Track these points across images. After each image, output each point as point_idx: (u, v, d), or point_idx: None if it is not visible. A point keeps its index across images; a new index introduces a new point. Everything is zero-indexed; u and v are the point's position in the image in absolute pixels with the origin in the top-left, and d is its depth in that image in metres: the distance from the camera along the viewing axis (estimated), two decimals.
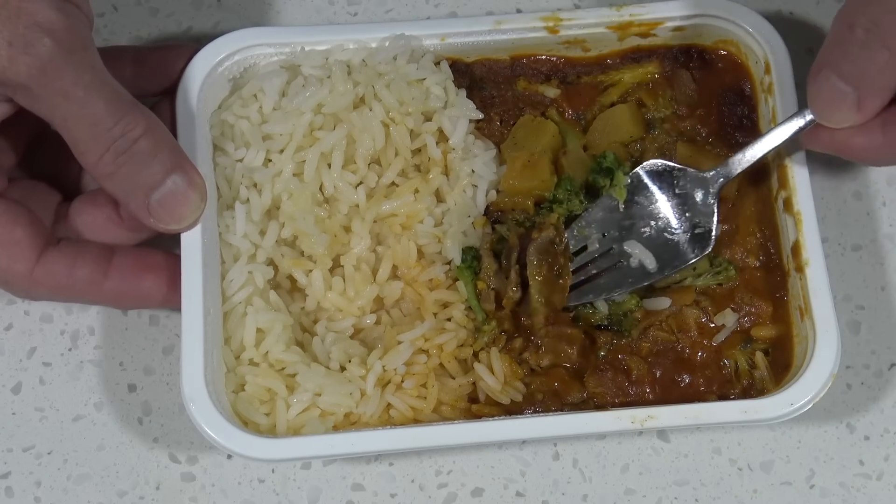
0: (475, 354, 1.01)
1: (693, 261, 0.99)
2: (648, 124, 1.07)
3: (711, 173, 1.00)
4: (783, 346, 1.00)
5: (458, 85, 1.07)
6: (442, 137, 1.06)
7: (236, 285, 0.99)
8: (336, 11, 1.18)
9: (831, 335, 0.95)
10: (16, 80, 0.85)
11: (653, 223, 1.01)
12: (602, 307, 1.00)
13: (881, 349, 1.06)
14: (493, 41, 1.08)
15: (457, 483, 1.03)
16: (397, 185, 1.04)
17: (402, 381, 0.98)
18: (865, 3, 0.86)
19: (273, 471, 1.03)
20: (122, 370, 1.06)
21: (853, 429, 1.04)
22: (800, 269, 0.98)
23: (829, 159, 1.11)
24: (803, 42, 1.14)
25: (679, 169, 1.01)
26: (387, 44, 1.05)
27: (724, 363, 1.00)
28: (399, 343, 0.99)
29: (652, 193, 1.01)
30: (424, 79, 1.05)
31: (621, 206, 1.01)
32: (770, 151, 0.99)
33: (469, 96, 1.07)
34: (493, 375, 0.98)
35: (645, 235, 1.00)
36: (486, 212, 1.05)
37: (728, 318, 1.01)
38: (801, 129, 0.96)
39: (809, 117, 0.95)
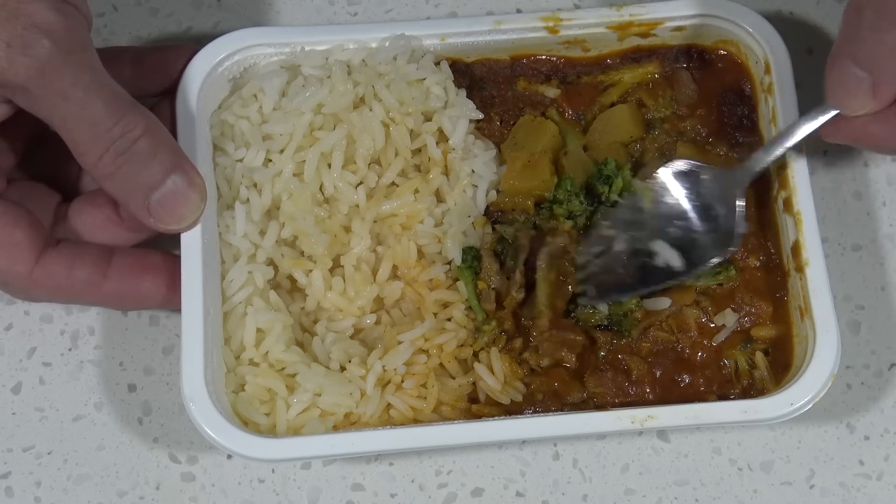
0: (475, 354, 1.01)
1: (718, 259, 0.98)
2: (648, 124, 1.07)
3: (737, 171, 0.99)
4: (783, 346, 1.00)
5: (458, 85, 1.07)
6: (442, 137, 1.06)
7: (236, 285, 0.99)
8: (336, 11, 1.18)
9: (831, 335, 0.95)
10: (15, 82, 0.85)
11: (679, 222, 1.00)
12: (602, 307, 1.00)
13: (881, 349, 1.06)
14: (493, 41, 1.07)
15: (457, 483, 1.03)
16: (397, 185, 1.04)
17: (402, 381, 0.98)
18: None
19: (273, 471, 1.03)
20: (122, 370, 1.06)
21: (853, 429, 1.03)
22: (800, 269, 0.98)
23: (829, 159, 1.11)
24: (803, 42, 1.14)
25: (705, 168, 1.00)
26: (387, 44, 1.05)
27: (724, 363, 1.00)
28: (399, 343, 0.99)
29: (678, 193, 1.00)
30: (424, 79, 1.05)
31: (647, 207, 1.01)
32: (793, 147, 0.97)
33: (469, 96, 1.07)
34: (493, 375, 0.98)
35: (671, 235, 0.99)
36: (487, 212, 1.05)
37: (728, 318, 1.01)
38: (822, 123, 0.94)
39: (830, 112, 0.93)
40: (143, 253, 0.99)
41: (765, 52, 1.04)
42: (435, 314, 1.01)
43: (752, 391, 0.99)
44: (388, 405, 0.98)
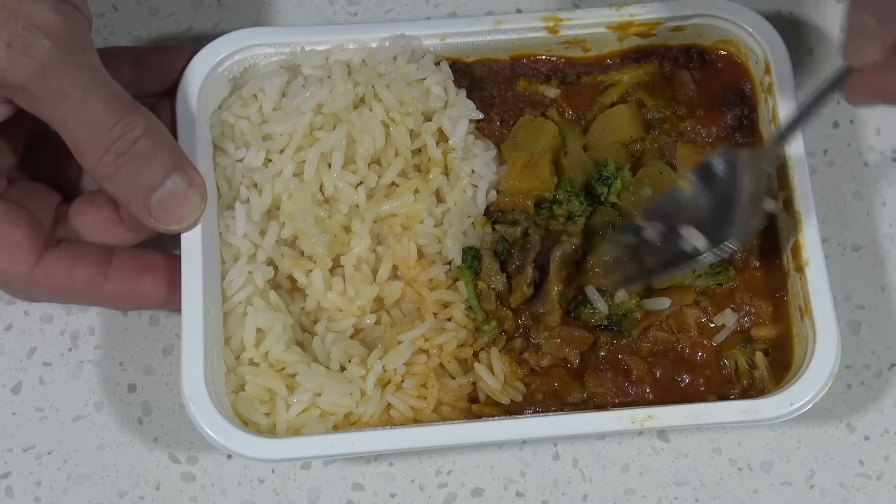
0: (475, 354, 1.01)
1: (743, 239, 0.96)
2: (648, 124, 1.07)
3: (768, 146, 0.97)
4: (783, 346, 1.00)
5: (458, 85, 1.07)
6: (442, 137, 1.06)
7: (236, 285, 0.99)
8: (336, 11, 1.18)
9: (831, 335, 0.95)
10: (15, 82, 0.85)
11: (715, 208, 0.97)
12: (602, 307, 1.00)
13: (881, 349, 1.06)
14: (493, 41, 1.08)
15: (457, 483, 1.03)
16: (397, 185, 1.04)
17: (402, 381, 0.98)
18: None
19: (273, 471, 1.03)
20: (122, 370, 1.06)
21: (853, 429, 1.04)
22: (800, 269, 0.98)
23: (829, 159, 1.11)
24: (803, 42, 1.14)
25: (742, 151, 0.98)
26: (387, 44, 1.05)
27: (724, 363, 1.00)
28: (399, 343, 0.99)
29: (718, 182, 0.98)
30: (424, 79, 1.05)
31: (687, 195, 0.98)
32: (816, 110, 0.94)
33: (469, 96, 1.07)
34: (493, 375, 0.99)
35: (705, 220, 0.97)
36: (487, 212, 1.05)
37: (728, 318, 1.01)
38: (839, 81, 0.90)
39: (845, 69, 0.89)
40: (143, 253, 0.99)
41: (765, 52, 1.04)
42: (435, 314, 1.01)
43: (752, 391, 0.99)
44: (388, 405, 0.98)
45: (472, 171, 1.04)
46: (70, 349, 1.06)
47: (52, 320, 1.07)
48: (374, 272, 1.02)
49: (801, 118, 0.95)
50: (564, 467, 1.03)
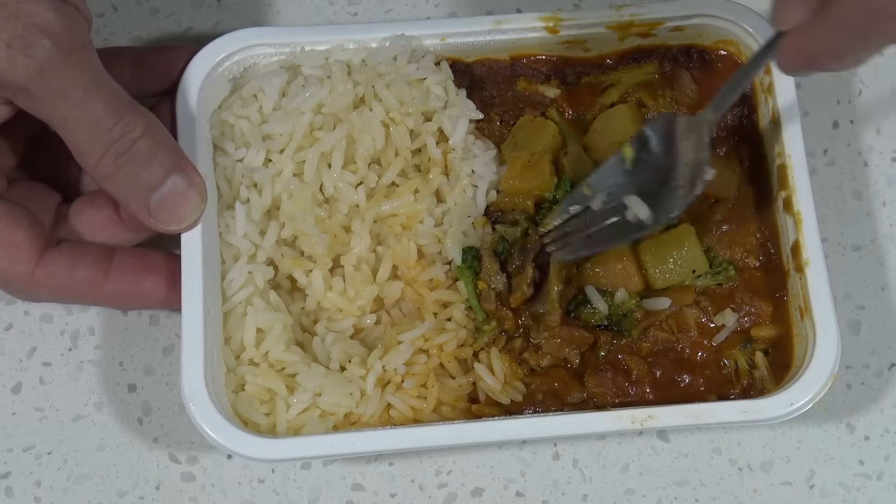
0: (475, 354, 1.01)
1: (682, 208, 0.95)
2: None
3: (701, 114, 0.96)
4: (783, 346, 1.00)
5: (458, 85, 1.07)
6: (442, 137, 1.06)
7: (236, 285, 0.99)
8: (336, 11, 1.18)
9: (831, 335, 0.95)
10: (15, 82, 0.85)
11: (656, 177, 0.97)
12: (602, 307, 1.00)
13: (881, 349, 1.06)
14: (493, 41, 1.07)
15: (457, 483, 1.03)
16: (397, 185, 1.04)
17: (402, 381, 0.98)
18: None
19: (273, 471, 1.03)
20: (122, 370, 1.06)
21: (853, 429, 1.04)
22: (800, 269, 0.98)
23: (829, 159, 1.11)
24: None
25: (675, 118, 0.97)
26: (387, 44, 1.05)
27: (724, 363, 1.00)
28: (399, 343, 0.99)
29: (656, 147, 0.98)
30: (424, 79, 1.05)
31: (627, 165, 0.98)
32: (750, 79, 0.95)
33: (469, 96, 1.07)
34: (493, 375, 0.99)
35: (648, 190, 0.97)
36: (487, 212, 1.05)
37: (728, 318, 1.01)
38: (771, 47, 0.90)
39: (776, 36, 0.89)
40: (144, 252, 0.99)
41: None
42: (435, 314, 1.01)
43: (752, 391, 0.99)
44: (388, 405, 0.98)
45: (472, 171, 1.04)
46: (70, 349, 1.06)
47: (52, 320, 1.07)
48: (374, 272, 1.02)
49: (735, 85, 0.95)
50: (564, 467, 1.03)
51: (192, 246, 0.97)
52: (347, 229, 1.02)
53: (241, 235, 0.99)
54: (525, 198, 1.04)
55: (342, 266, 1.02)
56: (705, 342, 1.01)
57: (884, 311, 1.07)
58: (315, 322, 1.01)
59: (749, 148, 1.05)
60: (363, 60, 1.06)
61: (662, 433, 1.04)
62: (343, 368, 0.98)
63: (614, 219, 0.98)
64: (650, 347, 1.01)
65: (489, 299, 1.01)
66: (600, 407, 0.98)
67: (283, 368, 0.98)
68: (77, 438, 1.04)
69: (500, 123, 1.08)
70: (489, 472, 1.03)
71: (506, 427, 0.94)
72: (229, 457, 1.03)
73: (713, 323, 1.01)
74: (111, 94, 0.89)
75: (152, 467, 1.03)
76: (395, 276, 1.03)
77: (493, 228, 1.04)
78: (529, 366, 1.00)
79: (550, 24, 1.07)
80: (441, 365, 1.00)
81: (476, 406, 0.99)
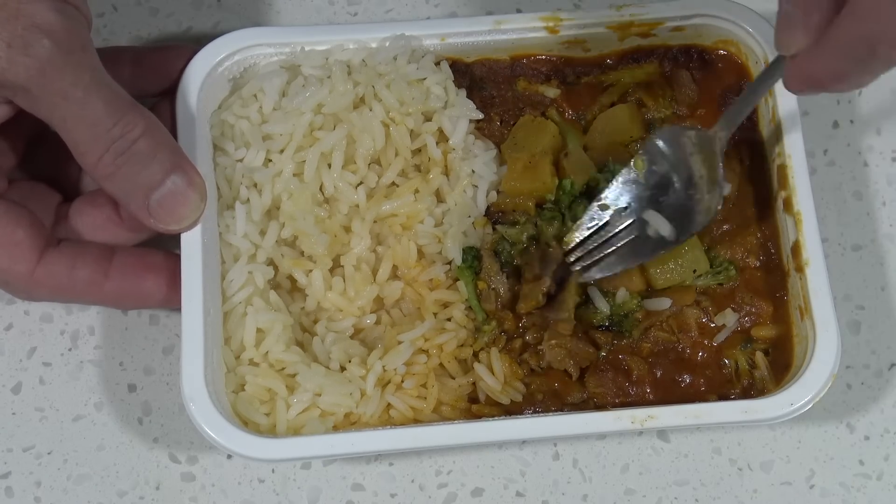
0: (475, 354, 1.01)
1: (704, 224, 0.97)
2: (648, 124, 1.07)
3: (714, 130, 0.97)
4: (783, 346, 1.00)
5: (458, 85, 1.07)
6: (442, 137, 1.06)
7: (236, 285, 0.99)
8: (336, 11, 1.18)
9: (831, 335, 0.95)
10: (15, 82, 0.85)
11: (671, 190, 0.98)
12: (603, 307, 1.00)
13: (881, 349, 1.06)
14: (493, 41, 1.07)
15: (457, 483, 1.03)
16: (397, 185, 1.04)
17: (402, 381, 0.98)
18: None
19: (273, 471, 1.03)
20: (122, 370, 1.06)
21: (853, 429, 1.04)
22: (800, 269, 0.98)
23: (829, 159, 1.11)
24: None
25: (688, 131, 0.98)
26: (387, 44, 1.05)
27: (725, 363, 1.00)
28: (399, 343, 0.99)
29: (668, 160, 0.99)
30: (424, 79, 1.05)
31: (641, 178, 0.99)
32: (760, 96, 0.96)
33: (469, 96, 1.07)
34: (493, 375, 0.99)
35: (664, 203, 0.98)
36: (487, 212, 1.05)
37: (728, 318, 1.01)
38: (779, 65, 0.91)
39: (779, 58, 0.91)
40: (144, 252, 0.99)
41: (765, 52, 1.03)
42: (435, 314, 1.01)
43: (752, 391, 0.99)
44: (388, 405, 0.98)
45: (473, 172, 1.04)
46: (70, 349, 1.06)
47: (52, 320, 1.07)
48: (374, 272, 1.02)
49: (746, 102, 0.96)
50: (564, 467, 1.03)
51: (192, 246, 0.97)
52: (347, 229, 1.02)
53: (241, 235, 0.99)
54: (526, 199, 1.04)
55: (342, 266, 1.02)
56: (706, 342, 1.01)
57: (884, 311, 1.07)
58: (315, 322, 1.01)
59: (749, 148, 1.05)
60: (363, 60, 1.06)
61: (662, 433, 1.04)
62: (343, 368, 0.98)
63: (634, 234, 0.99)
64: (651, 347, 1.01)
65: (489, 299, 1.01)
66: (600, 407, 0.98)
67: (283, 368, 0.98)
68: (77, 438, 1.04)
69: (500, 123, 1.08)
70: (489, 472, 1.03)
71: (506, 427, 0.94)
72: (229, 457, 1.03)
73: (713, 323, 1.01)
74: (111, 93, 0.89)
75: (152, 467, 1.03)
76: (395, 276, 1.03)
77: (494, 229, 1.04)
78: (529, 366, 1.00)
79: (550, 24, 1.07)
80: (441, 365, 1.00)
81: (476, 406, 0.99)
